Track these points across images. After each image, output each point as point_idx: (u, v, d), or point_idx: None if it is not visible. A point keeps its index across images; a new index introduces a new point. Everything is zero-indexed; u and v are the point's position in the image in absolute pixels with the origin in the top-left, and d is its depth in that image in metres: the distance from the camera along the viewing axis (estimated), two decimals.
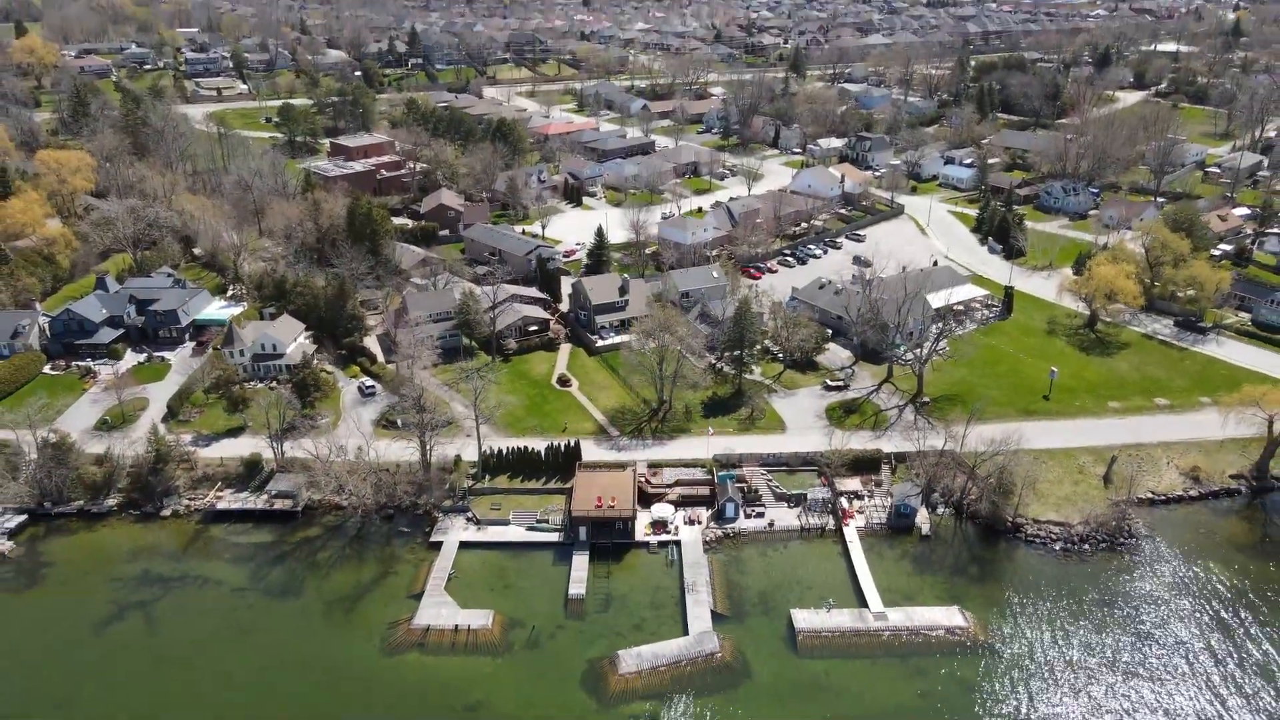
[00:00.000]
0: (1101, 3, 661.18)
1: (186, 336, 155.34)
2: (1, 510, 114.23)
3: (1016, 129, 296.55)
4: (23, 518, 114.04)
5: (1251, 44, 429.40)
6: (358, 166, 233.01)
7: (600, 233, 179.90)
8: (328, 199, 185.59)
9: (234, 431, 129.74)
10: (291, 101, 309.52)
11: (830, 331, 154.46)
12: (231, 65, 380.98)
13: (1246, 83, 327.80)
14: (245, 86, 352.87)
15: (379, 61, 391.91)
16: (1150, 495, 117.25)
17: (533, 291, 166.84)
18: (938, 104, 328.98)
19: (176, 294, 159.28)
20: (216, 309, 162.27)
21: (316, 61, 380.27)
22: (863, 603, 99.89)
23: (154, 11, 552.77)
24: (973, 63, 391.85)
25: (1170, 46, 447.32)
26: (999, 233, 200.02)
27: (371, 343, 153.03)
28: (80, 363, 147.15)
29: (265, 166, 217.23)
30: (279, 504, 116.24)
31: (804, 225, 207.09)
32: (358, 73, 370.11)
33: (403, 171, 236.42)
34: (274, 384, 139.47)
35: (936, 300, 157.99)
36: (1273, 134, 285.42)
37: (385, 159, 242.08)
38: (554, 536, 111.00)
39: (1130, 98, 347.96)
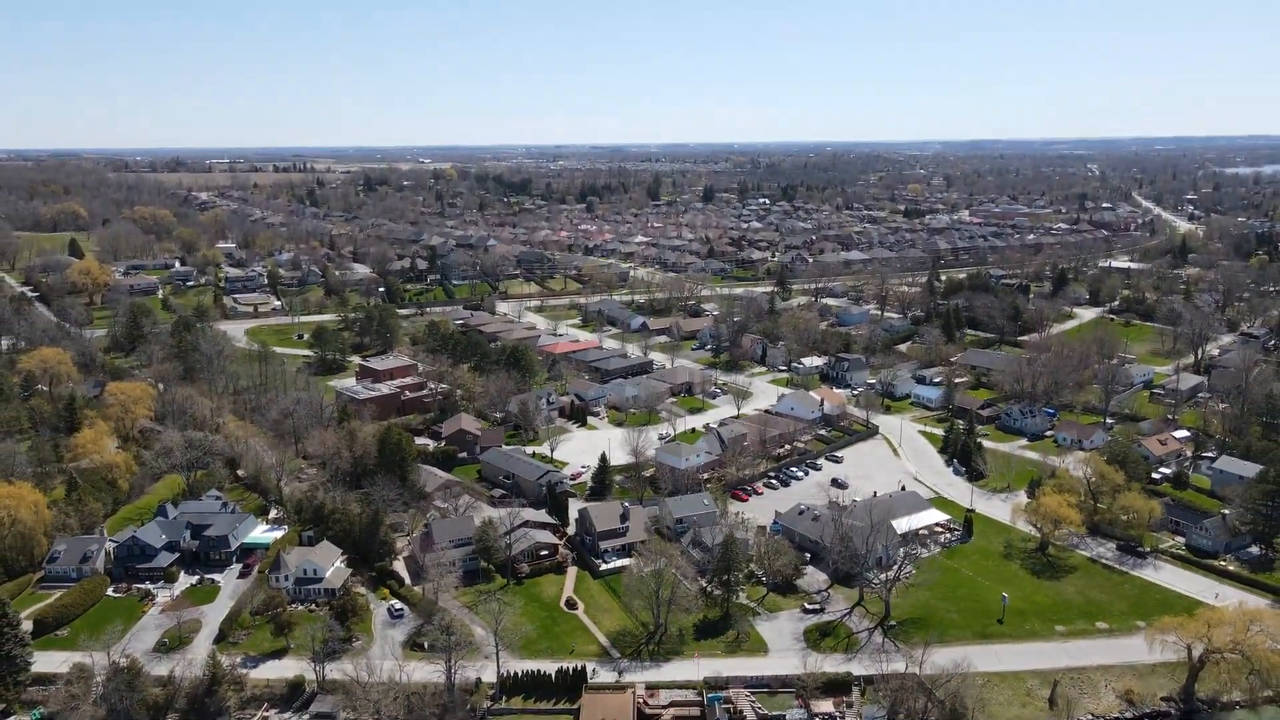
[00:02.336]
0: (1063, 214, 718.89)
1: (234, 559, 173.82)
2: None
3: (982, 346, 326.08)
4: None
5: (1199, 260, 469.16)
6: (384, 388, 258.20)
7: (604, 459, 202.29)
8: (361, 428, 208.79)
9: (278, 653, 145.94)
10: (324, 320, 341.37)
11: (809, 555, 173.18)
12: (266, 282, 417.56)
13: (1190, 302, 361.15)
14: (279, 303, 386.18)
15: (401, 278, 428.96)
16: (1089, 717, 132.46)
17: (543, 515, 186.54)
18: (911, 321, 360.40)
19: (227, 519, 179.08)
20: (261, 532, 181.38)
21: (344, 278, 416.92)
22: None
23: (192, 223, 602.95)
24: (943, 277, 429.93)
25: (1125, 262, 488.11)
26: (962, 455, 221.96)
27: (400, 566, 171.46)
28: (140, 585, 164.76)
29: (302, 390, 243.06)
30: None
31: (787, 447, 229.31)
32: (381, 288, 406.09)
33: (425, 393, 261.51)
34: (313, 607, 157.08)
35: (902, 525, 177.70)
36: (1215, 353, 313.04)
37: (409, 380, 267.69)
38: None
39: (1087, 314, 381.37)
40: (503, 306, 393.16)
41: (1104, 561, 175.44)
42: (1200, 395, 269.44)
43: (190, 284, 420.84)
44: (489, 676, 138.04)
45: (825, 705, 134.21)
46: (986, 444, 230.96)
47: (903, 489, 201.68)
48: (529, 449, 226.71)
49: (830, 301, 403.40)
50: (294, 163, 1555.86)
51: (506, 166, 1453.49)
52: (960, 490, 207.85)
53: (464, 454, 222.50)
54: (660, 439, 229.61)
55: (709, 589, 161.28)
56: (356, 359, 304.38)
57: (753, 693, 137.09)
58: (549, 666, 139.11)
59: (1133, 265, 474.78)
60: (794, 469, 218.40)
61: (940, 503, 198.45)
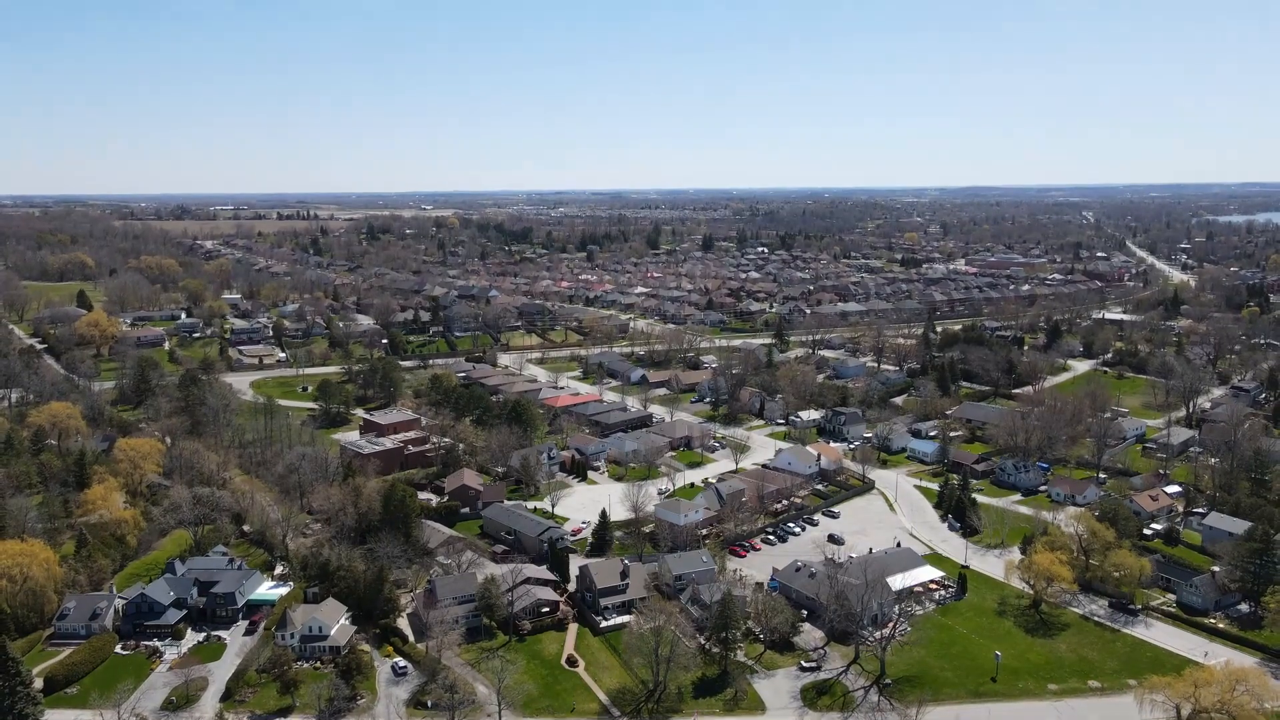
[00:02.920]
0: (1057, 264, 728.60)
1: (240, 616, 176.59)
2: None
3: (977, 399, 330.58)
4: None
5: (1191, 312, 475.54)
6: (388, 443, 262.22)
7: (604, 516, 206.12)
8: (365, 484, 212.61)
9: (284, 711, 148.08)
10: (328, 373, 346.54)
11: (805, 613, 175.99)
12: (271, 334, 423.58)
13: (1182, 356, 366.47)
14: (283, 354, 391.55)
15: (404, 329, 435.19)
16: None
17: (544, 572, 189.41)
18: (907, 373, 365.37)
19: (234, 576, 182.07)
20: (266, 589, 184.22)
21: (348, 329, 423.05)
22: None
23: (198, 272, 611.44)
24: (938, 329, 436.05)
25: (1118, 314, 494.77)
26: (957, 510, 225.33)
27: (403, 623, 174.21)
28: (148, 642, 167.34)
29: (307, 443, 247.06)
30: None
31: (785, 503, 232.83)
32: (384, 340, 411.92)
33: (427, 447, 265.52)
34: (319, 665, 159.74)
35: (896, 582, 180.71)
36: (1207, 406, 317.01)
37: (412, 435, 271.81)
38: None
39: (1081, 366, 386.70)
40: (504, 359, 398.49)
41: (1096, 619, 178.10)
42: (1192, 450, 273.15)
43: (196, 335, 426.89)
44: None
45: None
46: (981, 499, 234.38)
47: (898, 545, 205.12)
48: (530, 504, 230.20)
49: (828, 353, 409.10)
50: (298, 210, 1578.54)
51: (508, 214, 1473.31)
52: (955, 546, 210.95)
53: (466, 509, 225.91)
54: (660, 494, 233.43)
55: (707, 646, 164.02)
56: (360, 412, 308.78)
57: None
58: None
59: (1126, 317, 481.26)
60: (791, 525, 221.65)
61: (935, 559, 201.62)
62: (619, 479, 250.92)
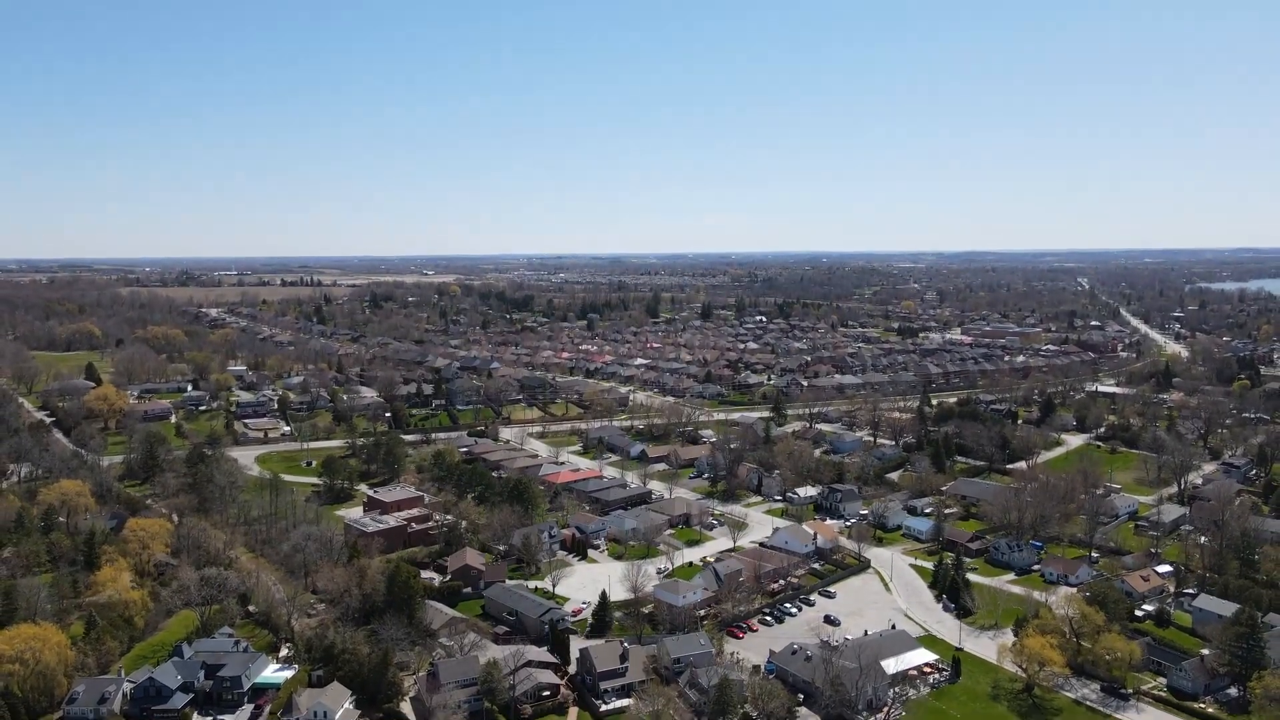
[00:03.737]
0: (1052, 332, 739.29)
1: (246, 699, 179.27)
2: None
3: (971, 474, 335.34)
4: None
5: (1183, 385, 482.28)
6: (391, 521, 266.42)
7: (604, 597, 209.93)
8: (369, 565, 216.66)
9: None
10: (331, 447, 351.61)
11: (802, 697, 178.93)
12: (276, 406, 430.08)
13: (1173, 431, 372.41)
14: (288, 428, 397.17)
15: (407, 402, 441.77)
16: None
17: (545, 654, 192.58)
18: (903, 448, 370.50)
19: (240, 659, 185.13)
20: (272, 672, 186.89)
21: (352, 402, 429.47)
22: None
23: (204, 342, 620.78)
24: (934, 402, 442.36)
25: (1111, 386, 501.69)
26: (951, 591, 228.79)
27: (406, 707, 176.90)
28: None
29: (311, 520, 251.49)
30: None
31: (781, 583, 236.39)
32: (388, 413, 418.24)
33: (430, 525, 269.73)
34: None
35: (891, 666, 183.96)
36: (1199, 482, 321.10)
37: (415, 512, 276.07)
38: None
39: (1074, 440, 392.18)
40: (506, 433, 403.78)
41: (1088, 703, 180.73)
42: (1183, 528, 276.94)
43: (202, 408, 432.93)
44: None
45: None
46: (975, 578, 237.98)
47: (893, 627, 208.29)
48: (532, 584, 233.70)
49: (824, 427, 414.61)
50: (301, 276, 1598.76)
51: (509, 280, 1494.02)
52: (949, 627, 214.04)
53: (468, 589, 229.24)
54: (658, 573, 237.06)
55: None
56: (364, 488, 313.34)
57: None
58: None
59: (1118, 390, 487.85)
60: (788, 605, 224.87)
61: (929, 641, 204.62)
62: (619, 557, 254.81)
